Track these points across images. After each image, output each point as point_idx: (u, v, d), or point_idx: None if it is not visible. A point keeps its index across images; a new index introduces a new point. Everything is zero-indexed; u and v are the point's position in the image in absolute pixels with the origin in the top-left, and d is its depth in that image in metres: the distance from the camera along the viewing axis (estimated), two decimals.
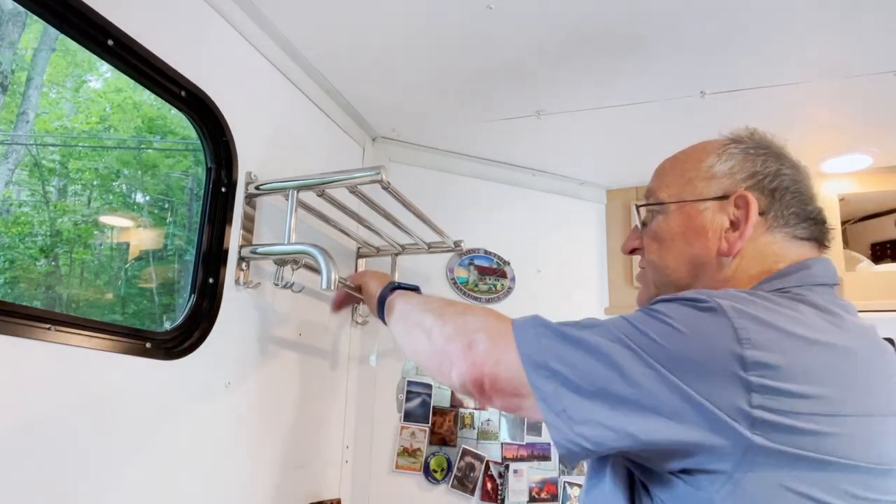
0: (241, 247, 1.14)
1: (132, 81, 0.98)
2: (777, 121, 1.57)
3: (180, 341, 1.01)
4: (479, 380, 0.72)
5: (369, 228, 1.44)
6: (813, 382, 0.58)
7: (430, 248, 1.53)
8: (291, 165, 1.31)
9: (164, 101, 1.03)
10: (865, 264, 1.95)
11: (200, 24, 1.08)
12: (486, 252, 1.85)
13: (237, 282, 1.13)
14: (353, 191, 1.19)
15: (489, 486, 1.67)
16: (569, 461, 0.66)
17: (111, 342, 0.87)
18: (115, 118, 5.89)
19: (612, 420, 0.61)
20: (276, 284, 1.22)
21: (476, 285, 1.82)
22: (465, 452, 1.67)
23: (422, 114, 1.62)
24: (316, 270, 1.12)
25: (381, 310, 1.08)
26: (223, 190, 1.12)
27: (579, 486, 1.73)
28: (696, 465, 0.60)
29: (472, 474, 1.67)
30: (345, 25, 1.23)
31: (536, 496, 1.70)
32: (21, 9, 0.88)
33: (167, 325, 1.06)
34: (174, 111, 1.07)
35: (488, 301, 1.82)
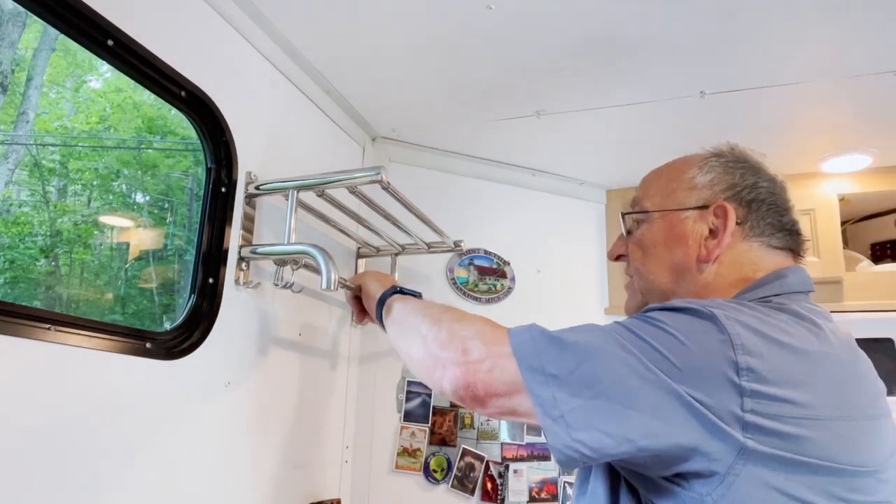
0: (241, 247, 1.14)
1: (132, 81, 0.98)
2: (777, 121, 1.57)
3: (180, 341, 1.01)
4: (472, 385, 0.71)
5: (369, 228, 1.44)
6: (796, 388, 0.61)
7: (430, 248, 1.53)
8: (291, 165, 1.31)
9: (164, 101, 1.03)
10: (865, 264, 1.95)
11: (200, 24, 1.08)
12: (485, 252, 1.85)
13: (237, 282, 1.13)
14: (353, 191, 1.19)
15: (489, 486, 1.67)
16: (566, 467, 0.66)
17: (111, 342, 0.87)
18: (115, 118, 5.89)
19: (611, 426, 0.62)
20: (276, 284, 1.22)
21: (476, 285, 1.82)
22: (465, 452, 1.67)
23: (422, 114, 1.62)
24: (316, 270, 1.12)
25: (379, 311, 1.08)
26: (223, 190, 1.12)
27: None
28: (690, 468, 0.61)
29: (472, 474, 1.67)
30: (345, 25, 1.23)
31: (536, 496, 1.70)
32: (21, 9, 0.88)
33: (167, 325, 1.06)
34: (174, 111, 1.07)
35: (488, 301, 1.82)
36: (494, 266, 1.86)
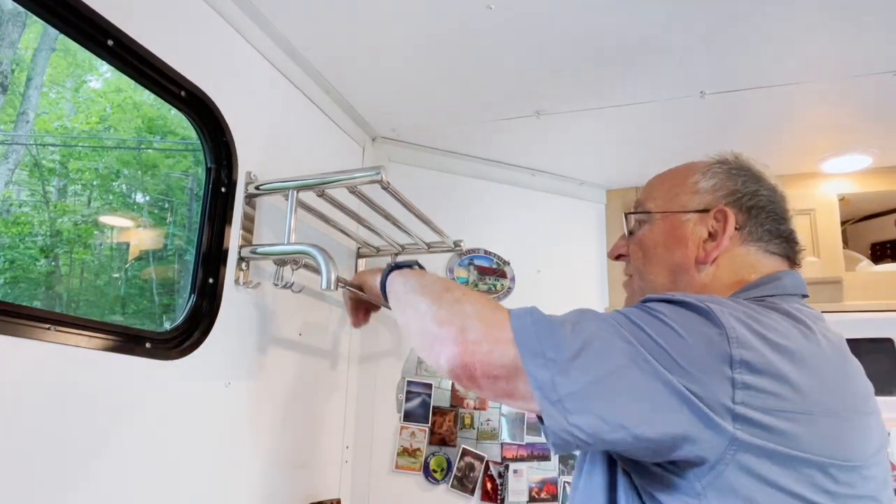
0: (240, 247, 1.14)
1: (132, 81, 0.98)
2: (777, 121, 1.57)
3: (180, 341, 1.01)
4: (469, 365, 0.70)
5: (369, 228, 1.44)
6: (786, 382, 0.63)
7: (430, 248, 1.53)
8: (291, 165, 1.31)
9: (163, 101, 1.03)
10: (865, 264, 1.96)
11: (200, 24, 1.08)
12: (485, 252, 1.85)
13: (237, 282, 1.13)
14: (353, 191, 1.19)
15: (489, 486, 1.67)
16: (561, 451, 0.67)
17: (111, 342, 0.87)
18: (115, 118, 5.89)
19: (607, 412, 0.63)
20: (276, 284, 1.22)
21: (476, 285, 1.82)
22: (465, 452, 1.67)
23: (422, 114, 1.62)
24: (316, 270, 1.12)
25: (384, 294, 1.06)
26: (223, 190, 1.12)
27: None
28: (682, 456, 0.63)
29: (471, 474, 1.67)
30: (345, 25, 1.23)
31: (536, 496, 1.70)
32: (21, 9, 0.88)
33: (167, 325, 1.06)
34: (174, 111, 1.07)
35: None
36: (494, 266, 1.86)
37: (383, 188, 1.13)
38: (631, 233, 0.92)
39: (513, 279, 1.86)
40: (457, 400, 1.70)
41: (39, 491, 0.76)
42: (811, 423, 0.63)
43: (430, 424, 1.66)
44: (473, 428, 1.70)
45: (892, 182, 1.84)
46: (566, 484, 1.73)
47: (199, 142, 1.12)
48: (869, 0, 1.09)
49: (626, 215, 0.92)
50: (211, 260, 1.08)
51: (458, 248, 1.54)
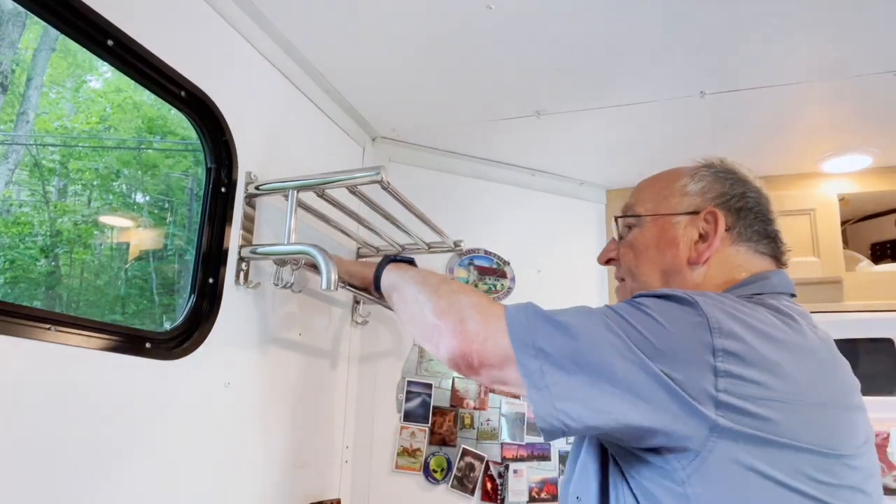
0: (241, 247, 1.14)
1: (132, 81, 0.98)
2: (777, 121, 1.57)
3: (180, 341, 1.01)
4: (468, 355, 0.76)
5: (369, 228, 1.44)
6: (768, 372, 0.65)
7: (430, 248, 1.53)
8: (291, 165, 1.31)
9: (164, 101, 1.03)
10: (865, 264, 1.96)
11: (200, 24, 1.08)
12: (485, 252, 1.85)
13: (237, 282, 1.13)
14: (353, 191, 1.19)
15: (489, 486, 1.67)
16: (550, 437, 0.72)
17: (111, 342, 0.87)
18: (115, 118, 5.89)
19: (592, 398, 0.67)
20: (276, 284, 1.22)
21: (476, 285, 1.82)
22: (465, 452, 1.67)
23: (421, 114, 1.62)
24: (316, 270, 1.12)
25: (377, 284, 1.08)
26: (223, 190, 1.12)
27: None
28: (665, 443, 0.66)
29: (471, 474, 1.67)
30: (345, 25, 1.23)
31: (536, 496, 1.70)
32: (21, 9, 0.88)
33: (167, 325, 1.06)
34: (174, 111, 1.07)
35: None
36: (494, 266, 1.86)
37: (383, 188, 1.13)
38: (621, 237, 0.94)
39: (513, 279, 1.86)
40: (457, 400, 1.70)
41: (40, 490, 0.76)
42: (795, 411, 0.65)
43: (430, 424, 1.66)
44: (473, 428, 1.70)
45: (892, 182, 1.84)
46: None
47: (199, 142, 1.12)
48: (869, 0, 1.09)
49: (616, 219, 0.95)
50: (211, 260, 1.08)
51: (458, 248, 1.54)
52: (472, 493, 1.65)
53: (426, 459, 1.64)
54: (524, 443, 1.73)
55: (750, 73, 1.35)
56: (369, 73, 1.42)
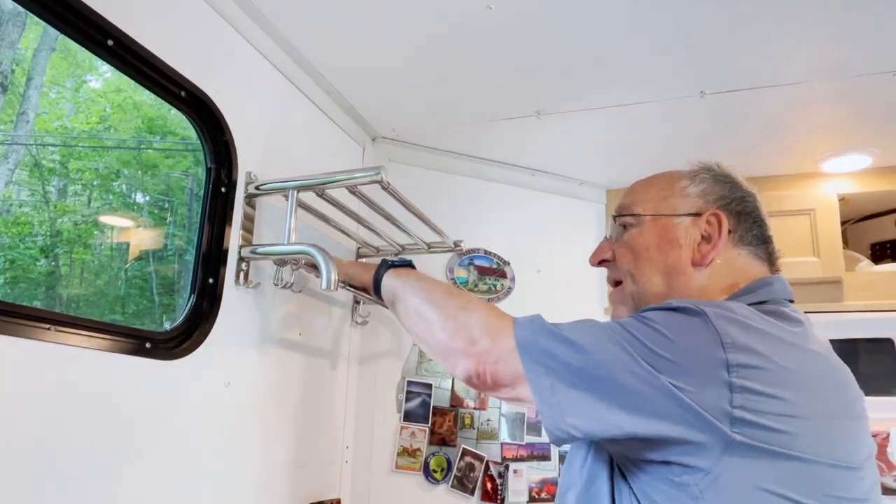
0: (240, 247, 1.14)
1: (132, 81, 0.98)
2: (777, 121, 1.57)
3: (180, 341, 1.01)
4: (482, 374, 0.78)
5: (369, 228, 1.44)
6: (784, 386, 0.64)
7: (430, 248, 1.53)
8: (291, 165, 1.31)
9: (163, 101, 1.03)
10: (865, 264, 1.95)
11: (200, 24, 1.08)
12: (485, 252, 1.85)
13: (237, 282, 1.13)
14: (353, 191, 1.19)
15: (489, 486, 1.67)
16: (559, 444, 0.73)
17: (111, 342, 0.87)
18: (115, 118, 5.89)
19: (601, 413, 0.67)
20: (276, 284, 1.22)
21: (476, 285, 1.82)
22: (465, 452, 1.67)
23: (422, 114, 1.62)
24: (316, 270, 1.12)
25: (377, 290, 1.07)
26: (223, 190, 1.12)
27: None
28: (678, 459, 0.65)
29: (471, 474, 1.67)
30: (345, 25, 1.23)
31: (536, 496, 1.70)
32: (21, 9, 0.88)
33: (167, 325, 1.06)
34: (174, 111, 1.07)
35: (488, 301, 1.81)
36: (494, 266, 1.86)
37: (383, 188, 1.13)
38: (616, 237, 0.92)
39: (513, 279, 1.86)
40: (457, 400, 1.70)
41: (40, 490, 0.76)
42: (812, 424, 0.64)
43: (430, 424, 1.66)
44: (473, 428, 1.70)
45: (892, 182, 1.84)
46: None
47: (199, 142, 1.12)
48: (869, 0, 1.09)
49: (613, 217, 0.93)
50: (211, 260, 1.08)
51: (458, 248, 1.54)
52: (472, 493, 1.65)
53: (426, 459, 1.64)
54: (524, 443, 1.73)
55: (750, 73, 1.35)
56: (369, 73, 1.42)
